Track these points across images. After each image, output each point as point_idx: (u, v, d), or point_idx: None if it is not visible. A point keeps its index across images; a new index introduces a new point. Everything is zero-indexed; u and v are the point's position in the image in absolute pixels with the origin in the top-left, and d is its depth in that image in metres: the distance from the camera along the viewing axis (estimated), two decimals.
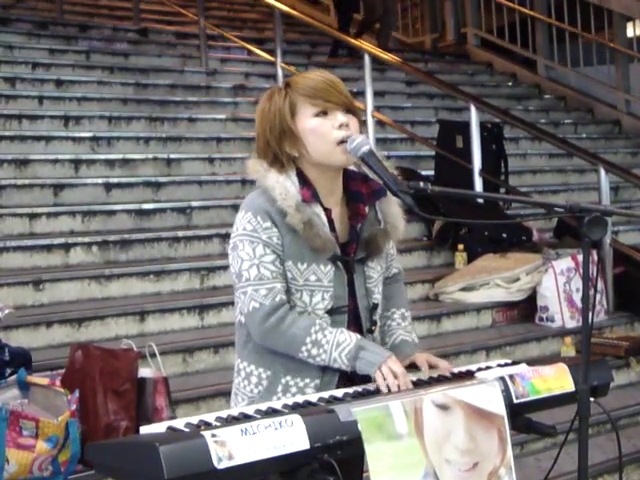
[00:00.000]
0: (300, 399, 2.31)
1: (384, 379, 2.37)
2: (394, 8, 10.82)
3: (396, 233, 2.60)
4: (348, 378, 2.47)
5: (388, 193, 2.50)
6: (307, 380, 2.46)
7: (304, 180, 2.48)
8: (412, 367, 2.56)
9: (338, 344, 2.40)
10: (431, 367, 2.56)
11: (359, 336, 2.45)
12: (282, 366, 2.47)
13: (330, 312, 2.48)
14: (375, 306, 2.58)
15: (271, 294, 2.42)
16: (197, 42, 8.95)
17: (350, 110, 2.49)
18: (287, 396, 2.46)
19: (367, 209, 2.55)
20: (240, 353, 2.56)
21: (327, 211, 2.49)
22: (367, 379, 2.42)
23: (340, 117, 2.46)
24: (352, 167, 2.58)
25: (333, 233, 2.49)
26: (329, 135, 2.45)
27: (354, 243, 2.54)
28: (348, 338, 2.42)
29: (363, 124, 7.12)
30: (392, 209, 2.58)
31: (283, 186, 2.44)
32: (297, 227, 2.42)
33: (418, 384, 2.43)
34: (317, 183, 2.49)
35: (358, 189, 2.56)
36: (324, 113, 2.46)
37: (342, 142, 2.44)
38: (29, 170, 6.17)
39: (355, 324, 2.54)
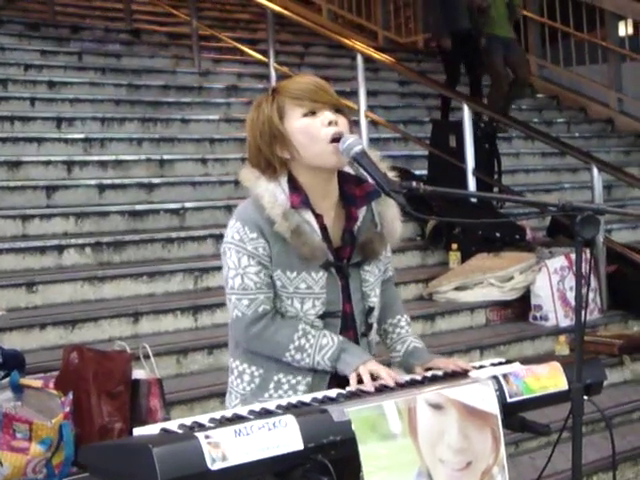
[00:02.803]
0: (294, 399, 2.31)
1: (357, 381, 2.37)
2: (524, 63, 9.36)
3: (393, 237, 2.59)
4: (340, 376, 2.47)
5: (383, 194, 2.49)
6: (299, 377, 2.47)
7: (295, 186, 2.47)
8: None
9: (321, 348, 2.42)
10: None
11: (342, 338, 2.45)
12: (274, 364, 2.48)
13: (322, 317, 2.48)
14: (371, 309, 2.57)
15: (253, 305, 2.44)
16: (189, 43, 8.96)
17: (339, 109, 2.49)
18: (279, 393, 2.47)
19: (360, 212, 2.54)
20: (233, 352, 2.58)
21: (318, 217, 2.48)
22: None
23: (328, 114, 2.45)
24: (347, 169, 2.57)
25: (325, 239, 2.47)
26: (319, 133, 2.43)
27: (347, 247, 2.52)
28: (330, 341, 2.43)
29: (356, 124, 7.12)
30: (389, 211, 2.56)
31: (272, 194, 2.43)
32: (285, 235, 2.42)
33: (412, 383, 2.43)
34: (310, 187, 2.48)
35: (352, 192, 2.55)
36: (312, 113, 2.45)
37: (333, 141, 2.43)
38: (22, 172, 6.16)
39: (352, 327, 2.54)
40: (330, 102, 2.47)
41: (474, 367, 2.57)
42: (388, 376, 2.38)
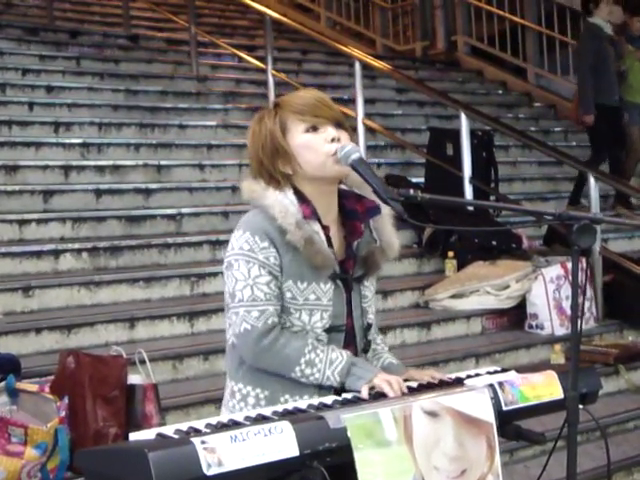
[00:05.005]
0: (290, 406, 2.31)
1: (370, 390, 2.36)
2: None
3: (392, 250, 2.59)
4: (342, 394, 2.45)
5: (382, 211, 2.52)
6: (306, 397, 2.43)
7: (302, 198, 2.47)
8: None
9: (331, 362, 2.40)
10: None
11: (349, 353, 2.45)
12: (280, 384, 2.44)
13: (328, 331, 2.47)
14: (369, 326, 2.58)
15: (263, 317, 2.39)
16: (188, 49, 8.97)
17: (339, 124, 2.49)
18: None
19: (363, 226, 2.55)
20: (234, 376, 2.52)
21: (325, 229, 2.48)
22: None
23: (331, 131, 2.46)
24: (343, 186, 2.58)
25: (331, 250, 2.48)
26: (321, 149, 2.44)
27: (351, 261, 2.53)
28: (340, 356, 2.42)
29: (354, 131, 7.13)
30: (386, 227, 2.57)
31: (282, 204, 2.42)
32: (298, 244, 2.40)
33: (407, 391, 2.43)
34: (314, 200, 2.48)
35: (353, 207, 2.56)
36: (314, 128, 2.46)
37: (334, 154, 2.44)
38: (19, 176, 6.16)
39: (352, 343, 2.53)
40: (332, 117, 2.48)
41: (469, 375, 2.57)
42: (398, 386, 2.37)
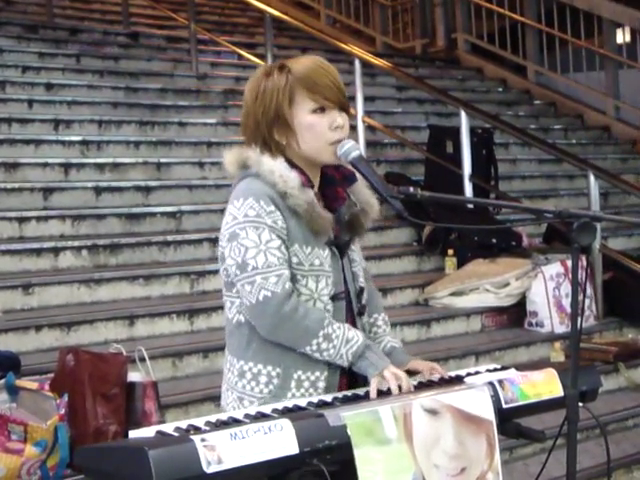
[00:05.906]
0: (290, 404, 2.31)
1: (381, 383, 2.36)
2: None
3: (373, 211, 2.59)
4: (348, 372, 2.45)
5: (358, 178, 2.53)
6: (317, 373, 2.42)
7: (294, 166, 2.46)
8: (409, 373, 2.56)
9: (347, 340, 2.38)
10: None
11: (364, 335, 2.44)
12: (292, 360, 2.41)
13: (332, 298, 2.45)
14: (362, 290, 2.57)
15: (281, 281, 2.35)
16: (188, 46, 8.95)
17: (343, 108, 2.49)
18: (300, 391, 2.40)
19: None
20: (242, 355, 2.46)
21: (317, 196, 2.48)
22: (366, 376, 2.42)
23: (338, 119, 2.45)
24: None
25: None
26: (324, 135, 2.44)
27: (337, 227, 2.51)
28: (356, 336, 2.40)
29: (354, 129, 7.13)
30: (362, 190, 2.57)
31: (280, 169, 2.40)
32: (301, 208, 2.38)
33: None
34: (304, 169, 2.48)
35: (332, 174, 2.56)
36: (321, 109, 2.45)
37: (334, 143, 2.45)
38: (19, 174, 6.16)
39: (350, 310, 2.52)
40: (339, 101, 2.47)
41: (469, 373, 2.58)
42: (407, 385, 2.36)
